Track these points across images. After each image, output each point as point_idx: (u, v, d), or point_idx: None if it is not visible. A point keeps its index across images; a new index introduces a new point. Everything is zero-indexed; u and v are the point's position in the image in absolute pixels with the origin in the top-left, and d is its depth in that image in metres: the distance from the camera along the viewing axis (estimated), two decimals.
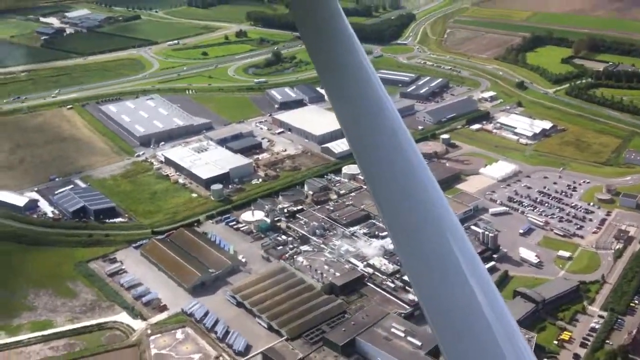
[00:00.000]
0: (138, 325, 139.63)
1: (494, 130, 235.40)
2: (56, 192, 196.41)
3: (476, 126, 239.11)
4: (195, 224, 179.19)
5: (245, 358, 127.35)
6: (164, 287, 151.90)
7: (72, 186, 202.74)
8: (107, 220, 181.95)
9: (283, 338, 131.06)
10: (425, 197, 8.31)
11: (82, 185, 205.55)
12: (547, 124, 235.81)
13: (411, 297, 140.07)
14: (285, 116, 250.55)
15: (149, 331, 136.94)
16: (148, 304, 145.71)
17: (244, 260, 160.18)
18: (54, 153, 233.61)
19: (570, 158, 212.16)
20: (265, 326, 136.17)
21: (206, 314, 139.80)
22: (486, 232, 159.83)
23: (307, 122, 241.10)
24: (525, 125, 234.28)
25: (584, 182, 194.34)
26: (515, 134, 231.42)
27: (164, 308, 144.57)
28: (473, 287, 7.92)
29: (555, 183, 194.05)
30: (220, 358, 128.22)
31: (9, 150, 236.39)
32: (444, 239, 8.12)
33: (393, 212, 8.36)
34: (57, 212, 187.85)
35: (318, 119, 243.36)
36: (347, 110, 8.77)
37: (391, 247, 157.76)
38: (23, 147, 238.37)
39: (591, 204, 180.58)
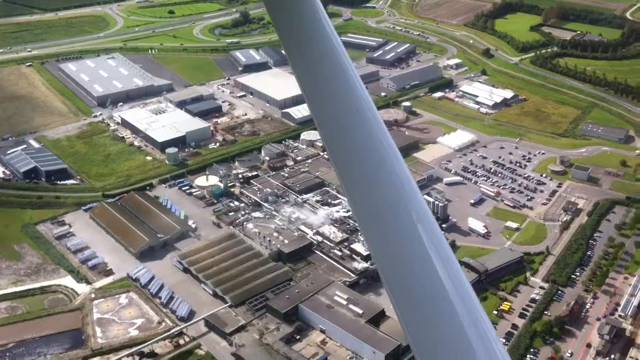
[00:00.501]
0: (82, 289, 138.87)
1: (456, 99, 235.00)
2: (8, 152, 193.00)
3: (439, 94, 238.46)
4: (148, 188, 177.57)
5: (188, 324, 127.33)
6: (111, 251, 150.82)
7: (24, 146, 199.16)
8: (58, 182, 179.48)
9: (226, 304, 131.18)
10: (387, 168, 8.05)
11: (36, 145, 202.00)
12: (509, 93, 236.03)
13: (357, 265, 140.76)
14: (248, 79, 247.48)
15: (92, 295, 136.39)
16: (94, 268, 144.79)
17: (194, 225, 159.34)
18: (8, 112, 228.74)
19: (528, 128, 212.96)
20: (211, 292, 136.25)
21: (152, 279, 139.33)
22: (436, 202, 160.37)
23: (269, 86, 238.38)
24: (486, 94, 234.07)
25: (539, 153, 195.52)
26: (477, 102, 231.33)
27: (109, 272, 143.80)
28: (435, 263, 7.65)
29: (510, 153, 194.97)
30: (163, 324, 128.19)
31: None
32: (406, 212, 7.91)
33: (354, 182, 8.08)
34: (7, 172, 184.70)
35: (280, 83, 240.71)
36: (307, 75, 8.44)
37: (340, 214, 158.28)
38: None
39: (544, 175, 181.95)
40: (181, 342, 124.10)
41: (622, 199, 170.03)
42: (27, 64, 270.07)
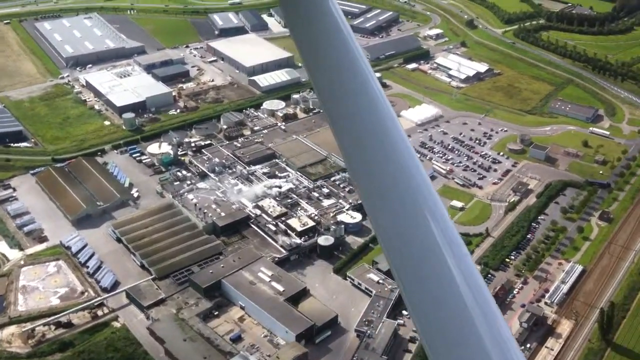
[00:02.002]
0: (14, 255, 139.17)
1: (429, 71, 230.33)
2: None
3: (412, 65, 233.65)
4: (99, 154, 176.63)
5: (109, 295, 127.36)
6: (50, 217, 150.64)
7: None
8: (12, 144, 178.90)
9: (150, 277, 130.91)
10: (391, 145, 8.01)
11: None
12: (483, 67, 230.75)
13: (287, 241, 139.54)
14: (220, 44, 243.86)
15: (22, 262, 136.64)
16: (29, 234, 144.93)
17: (136, 194, 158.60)
18: None
19: (497, 104, 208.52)
20: (139, 264, 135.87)
21: (83, 247, 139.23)
22: None
23: (240, 52, 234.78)
24: (460, 67, 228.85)
25: (501, 130, 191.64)
26: (449, 75, 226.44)
27: (44, 239, 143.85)
28: (445, 252, 7.56)
29: (472, 130, 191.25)
30: (85, 294, 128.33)
31: None
32: (412, 193, 7.84)
33: (356, 155, 8.10)
34: None
35: (253, 49, 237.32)
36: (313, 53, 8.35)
37: (284, 188, 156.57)
38: None
39: (501, 153, 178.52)
40: (99, 313, 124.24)
41: (577, 180, 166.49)
42: (5, 21, 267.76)
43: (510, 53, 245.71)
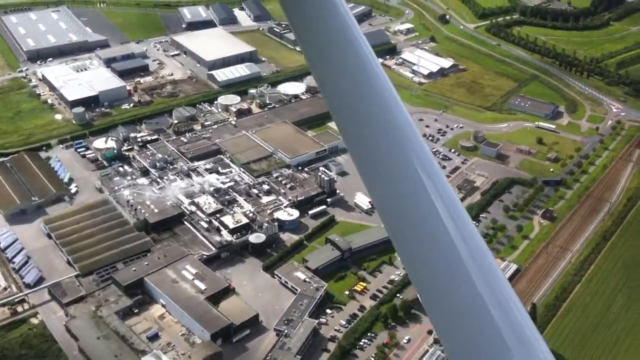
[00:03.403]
0: None
1: (393, 67, 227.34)
2: None
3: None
4: (44, 148, 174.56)
5: (31, 291, 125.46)
6: None
7: None
8: None
9: (73, 274, 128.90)
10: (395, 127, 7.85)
11: None
12: (448, 63, 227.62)
13: (218, 238, 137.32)
14: (183, 38, 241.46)
15: None
16: None
17: (74, 189, 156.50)
18: None
19: (457, 100, 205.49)
20: (66, 260, 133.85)
21: (12, 243, 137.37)
22: (322, 176, 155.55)
23: (202, 46, 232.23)
24: (425, 62, 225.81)
25: (457, 126, 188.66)
26: (413, 71, 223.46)
27: None
28: (452, 236, 7.43)
29: (427, 126, 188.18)
30: (8, 290, 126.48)
31: None
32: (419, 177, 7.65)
33: (356, 139, 7.94)
34: None
35: (216, 43, 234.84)
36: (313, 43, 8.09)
37: (219, 184, 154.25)
38: None
39: (452, 150, 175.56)
40: (19, 309, 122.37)
41: (525, 178, 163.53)
42: None
43: (479, 49, 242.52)
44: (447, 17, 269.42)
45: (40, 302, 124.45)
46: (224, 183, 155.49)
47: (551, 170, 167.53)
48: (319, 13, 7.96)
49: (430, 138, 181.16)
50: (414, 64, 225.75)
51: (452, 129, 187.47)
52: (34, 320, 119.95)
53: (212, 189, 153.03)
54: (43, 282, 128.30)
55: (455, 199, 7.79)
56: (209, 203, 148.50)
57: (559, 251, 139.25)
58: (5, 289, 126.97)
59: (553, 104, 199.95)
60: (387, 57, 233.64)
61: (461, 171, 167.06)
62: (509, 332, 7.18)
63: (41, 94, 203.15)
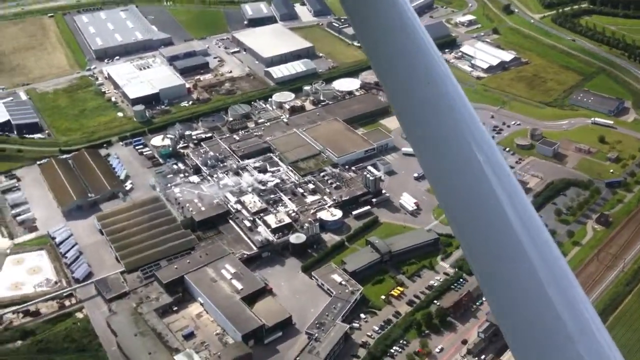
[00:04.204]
0: (3, 244, 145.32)
1: (452, 60, 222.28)
2: None
3: None
4: (105, 145, 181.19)
5: (79, 285, 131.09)
6: (45, 207, 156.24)
7: (10, 98, 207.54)
8: (27, 135, 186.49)
9: (119, 270, 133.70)
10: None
11: (24, 97, 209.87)
12: (509, 56, 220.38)
13: (260, 238, 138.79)
14: (244, 35, 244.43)
15: (8, 251, 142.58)
16: (22, 224, 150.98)
17: (129, 186, 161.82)
18: (14, 62, 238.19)
19: (516, 95, 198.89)
20: (114, 256, 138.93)
21: (67, 238, 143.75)
22: (367, 176, 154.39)
23: (261, 43, 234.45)
24: (484, 56, 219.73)
25: (514, 123, 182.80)
26: (472, 65, 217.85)
27: (34, 229, 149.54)
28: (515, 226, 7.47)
29: (483, 123, 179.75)
30: (58, 284, 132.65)
31: None
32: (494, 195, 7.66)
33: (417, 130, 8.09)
34: None
35: (274, 40, 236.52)
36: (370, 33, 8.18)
37: (269, 184, 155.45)
38: None
39: (507, 149, 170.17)
40: (67, 303, 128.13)
41: (582, 179, 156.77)
42: (50, 14, 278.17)
43: (544, 40, 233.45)
44: (512, 7, 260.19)
45: (87, 297, 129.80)
46: (262, 182, 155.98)
47: (611, 171, 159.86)
48: (377, 6, 7.92)
49: None
50: (473, 58, 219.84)
51: (508, 126, 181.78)
52: (79, 315, 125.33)
53: (253, 188, 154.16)
54: (91, 277, 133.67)
55: (522, 195, 7.78)
56: (254, 202, 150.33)
57: (611, 259, 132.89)
58: (56, 282, 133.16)
59: (618, 99, 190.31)
60: (446, 50, 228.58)
61: (514, 171, 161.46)
62: (572, 323, 7.10)
63: (106, 92, 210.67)
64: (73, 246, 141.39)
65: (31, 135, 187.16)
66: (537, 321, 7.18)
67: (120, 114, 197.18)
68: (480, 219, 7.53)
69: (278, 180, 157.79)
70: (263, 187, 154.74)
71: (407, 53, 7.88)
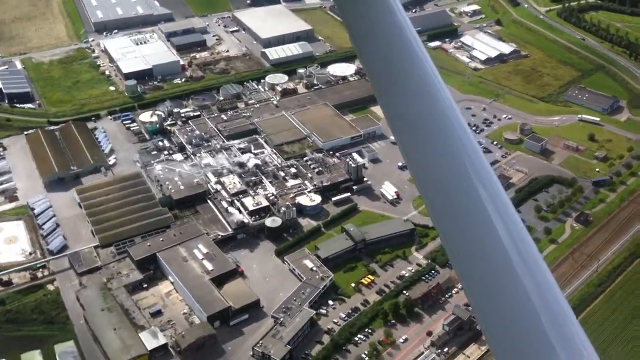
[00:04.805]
0: None
1: (450, 50, 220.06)
2: None
3: (435, 43, 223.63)
4: (93, 119, 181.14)
5: (52, 257, 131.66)
6: (27, 177, 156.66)
7: (6, 66, 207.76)
8: (17, 105, 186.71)
9: (93, 244, 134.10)
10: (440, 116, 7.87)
11: (19, 67, 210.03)
12: (508, 48, 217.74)
13: (236, 219, 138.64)
14: (244, 14, 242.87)
15: None
16: (2, 193, 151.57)
17: (113, 161, 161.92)
18: (14, 31, 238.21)
19: (511, 89, 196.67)
20: (90, 230, 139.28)
21: (45, 210, 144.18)
22: (350, 163, 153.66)
23: (260, 23, 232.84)
24: (483, 47, 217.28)
25: (505, 117, 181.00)
26: (470, 56, 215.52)
27: (14, 199, 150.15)
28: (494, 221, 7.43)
29: (474, 115, 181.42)
30: (32, 255, 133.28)
31: None
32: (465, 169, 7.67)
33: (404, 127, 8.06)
34: None
35: (274, 21, 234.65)
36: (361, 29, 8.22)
37: (250, 164, 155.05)
38: None
39: (494, 142, 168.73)
40: (39, 275, 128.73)
41: (567, 177, 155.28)
42: None
43: (546, 34, 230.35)
44: None
45: (59, 269, 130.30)
46: (241, 164, 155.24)
47: (597, 170, 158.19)
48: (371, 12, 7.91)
49: (474, 128, 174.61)
50: (473, 49, 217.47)
51: (499, 119, 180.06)
52: (50, 287, 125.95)
53: (231, 169, 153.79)
54: (66, 250, 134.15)
55: (502, 194, 7.67)
56: (234, 183, 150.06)
57: (585, 259, 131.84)
58: (30, 253, 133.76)
59: (614, 97, 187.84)
60: (447, 40, 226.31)
61: (499, 165, 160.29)
62: (555, 333, 7.09)
63: (101, 65, 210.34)
64: (50, 218, 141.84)
65: (22, 105, 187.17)
66: (522, 333, 7.15)
67: (112, 88, 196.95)
68: (461, 217, 7.52)
69: (258, 162, 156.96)
70: (240, 170, 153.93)
71: (399, 60, 7.92)
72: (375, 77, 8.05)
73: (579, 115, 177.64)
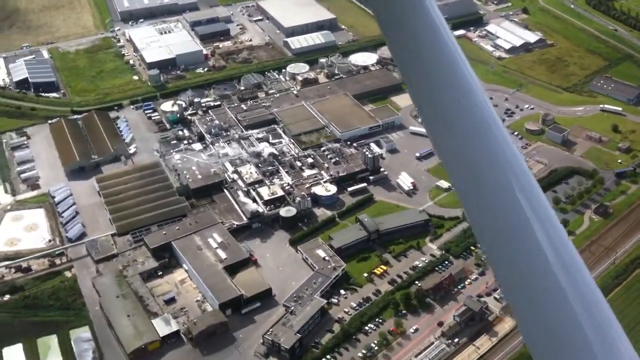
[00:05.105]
0: (5, 200, 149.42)
1: (475, 39, 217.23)
2: (16, 61, 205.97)
3: (460, 32, 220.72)
4: (116, 108, 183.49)
5: (70, 245, 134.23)
6: (49, 166, 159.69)
7: (33, 56, 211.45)
8: (42, 94, 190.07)
9: (110, 232, 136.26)
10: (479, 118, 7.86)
11: (46, 56, 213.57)
12: (534, 37, 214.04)
13: (251, 208, 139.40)
14: (268, 3, 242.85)
15: (9, 207, 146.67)
16: (26, 181, 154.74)
17: (133, 150, 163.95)
18: (42, 21, 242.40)
19: (535, 79, 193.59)
20: (109, 218, 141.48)
21: (66, 198, 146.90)
22: (366, 153, 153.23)
23: (284, 12, 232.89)
24: (508, 36, 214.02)
25: (527, 107, 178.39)
26: (495, 45, 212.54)
27: (37, 186, 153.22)
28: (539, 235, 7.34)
29: (496, 106, 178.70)
30: (52, 242, 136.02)
31: (5, 13, 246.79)
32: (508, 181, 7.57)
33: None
34: (7, 80, 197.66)
35: (298, 10, 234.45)
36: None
37: (265, 153, 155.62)
38: (19, 12, 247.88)
39: (515, 133, 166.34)
40: (57, 262, 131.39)
41: (588, 168, 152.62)
42: None
43: (574, 22, 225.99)
44: None
45: (77, 257, 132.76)
46: (256, 154, 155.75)
47: (619, 161, 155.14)
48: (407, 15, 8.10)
49: None
50: (497, 37, 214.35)
51: (521, 109, 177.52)
52: (68, 274, 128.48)
53: (247, 159, 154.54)
54: (84, 238, 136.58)
55: (539, 193, 7.65)
56: (250, 172, 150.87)
57: (603, 251, 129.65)
58: (50, 241, 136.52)
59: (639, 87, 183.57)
60: (471, 28, 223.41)
61: None
62: (593, 333, 7.12)
63: (125, 54, 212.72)
64: (70, 206, 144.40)
65: (47, 94, 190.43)
66: (559, 332, 7.14)
67: (135, 77, 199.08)
68: (500, 222, 7.48)
69: (273, 151, 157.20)
70: (257, 160, 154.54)
71: (436, 66, 7.93)
72: (404, 66, 8.07)
73: (601, 105, 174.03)
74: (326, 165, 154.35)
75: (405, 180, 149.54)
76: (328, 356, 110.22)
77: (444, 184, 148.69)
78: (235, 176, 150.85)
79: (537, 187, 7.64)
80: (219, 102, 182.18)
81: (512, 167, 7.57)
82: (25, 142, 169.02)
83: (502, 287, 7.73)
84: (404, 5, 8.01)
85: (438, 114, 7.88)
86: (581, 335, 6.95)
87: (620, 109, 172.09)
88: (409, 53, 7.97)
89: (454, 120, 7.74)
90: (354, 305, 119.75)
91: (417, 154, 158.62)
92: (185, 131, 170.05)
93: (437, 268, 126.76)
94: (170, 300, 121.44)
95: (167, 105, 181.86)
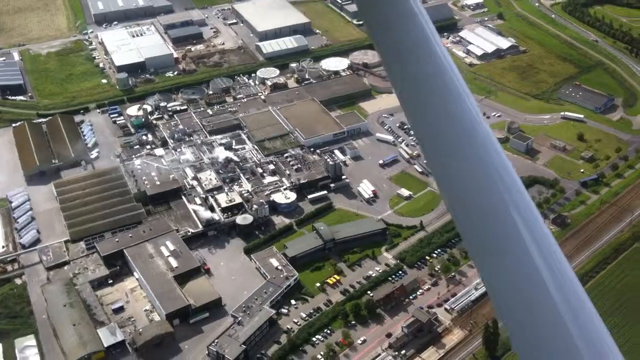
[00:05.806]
0: None
1: (447, 45, 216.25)
2: None
3: None
4: (82, 112, 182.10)
5: (23, 251, 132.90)
6: (9, 170, 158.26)
7: (3, 58, 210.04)
8: (9, 97, 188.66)
9: (63, 239, 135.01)
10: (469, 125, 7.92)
11: (17, 58, 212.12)
12: (507, 43, 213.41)
13: (206, 216, 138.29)
14: (243, 6, 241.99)
15: None
16: None
17: (95, 155, 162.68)
18: (16, 22, 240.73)
19: (504, 86, 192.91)
20: (64, 224, 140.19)
21: (23, 203, 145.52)
22: (328, 160, 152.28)
23: (258, 16, 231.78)
24: (481, 42, 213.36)
25: (495, 115, 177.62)
26: (467, 51, 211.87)
27: None
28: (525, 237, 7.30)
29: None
30: (4, 248, 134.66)
31: None
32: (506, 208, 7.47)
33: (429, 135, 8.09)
34: None
35: (272, 13, 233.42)
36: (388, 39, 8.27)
37: (220, 158, 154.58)
38: None
39: None
40: (9, 268, 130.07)
41: (549, 177, 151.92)
42: None
43: (548, 29, 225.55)
44: None
45: (29, 263, 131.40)
46: (213, 160, 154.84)
47: (581, 170, 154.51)
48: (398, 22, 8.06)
49: None
50: (470, 43, 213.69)
51: (488, 117, 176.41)
52: (18, 281, 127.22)
53: (206, 164, 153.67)
54: (38, 244, 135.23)
55: (527, 199, 7.62)
56: (210, 179, 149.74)
57: None
58: (3, 247, 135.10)
59: (609, 95, 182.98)
60: (445, 34, 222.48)
61: None
62: (582, 340, 7.01)
63: (96, 57, 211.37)
64: (27, 212, 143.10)
65: (14, 97, 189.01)
66: (548, 338, 7.04)
67: (104, 81, 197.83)
68: (485, 220, 7.52)
69: (230, 155, 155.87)
70: (216, 166, 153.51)
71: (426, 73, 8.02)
72: (392, 71, 8.18)
73: (562, 113, 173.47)
74: (288, 172, 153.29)
75: (366, 188, 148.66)
76: None
77: (405, 192, 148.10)
78: (195, 182, 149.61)
79: (525, 192, 7.63)
80: (185, 107, 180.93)
81: (499, 171, 7.60)
82: None
83: (488, 287, 7.63)
84: (392, 9, 8.01)
85: (426, 118, 7.96)
86: (567, 333, 6.93)
87: (582, 116, 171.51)
88: (397, 58, 8.09)
89: (442, 123, 7.82)
90: (304, 315, 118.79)
91: (381, 161, 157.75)
92: (149, 136, 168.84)
93: (390, 278, 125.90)
94: (119, 310, 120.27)
95: (133, 110, 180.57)
